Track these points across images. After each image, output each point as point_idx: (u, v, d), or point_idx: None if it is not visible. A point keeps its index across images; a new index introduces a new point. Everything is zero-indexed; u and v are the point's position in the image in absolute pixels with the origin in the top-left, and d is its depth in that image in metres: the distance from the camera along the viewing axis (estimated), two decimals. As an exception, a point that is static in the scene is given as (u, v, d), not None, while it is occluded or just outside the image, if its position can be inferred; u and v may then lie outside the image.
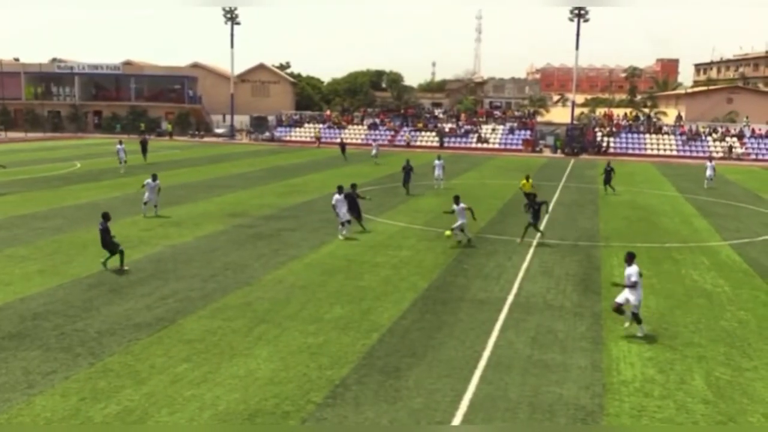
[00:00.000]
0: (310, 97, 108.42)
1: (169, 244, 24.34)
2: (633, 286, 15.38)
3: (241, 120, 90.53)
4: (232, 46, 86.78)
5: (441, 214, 31.41)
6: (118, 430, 10.94)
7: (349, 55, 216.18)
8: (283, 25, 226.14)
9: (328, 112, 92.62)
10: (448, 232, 24.37)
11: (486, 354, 14.44)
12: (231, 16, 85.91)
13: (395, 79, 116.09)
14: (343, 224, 25.60)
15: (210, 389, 12.42)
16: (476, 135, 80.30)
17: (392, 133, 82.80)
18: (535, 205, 25.61)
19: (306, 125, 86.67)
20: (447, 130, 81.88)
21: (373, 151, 58.98)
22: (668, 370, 13.81)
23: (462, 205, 24.47)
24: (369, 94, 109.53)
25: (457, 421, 11.45)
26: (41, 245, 23.69)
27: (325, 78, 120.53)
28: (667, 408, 12.07)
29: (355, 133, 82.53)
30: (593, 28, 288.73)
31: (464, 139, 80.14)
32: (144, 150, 52.92)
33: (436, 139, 79.68)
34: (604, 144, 75.84)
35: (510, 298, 18.58)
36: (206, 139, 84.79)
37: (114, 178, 43.01)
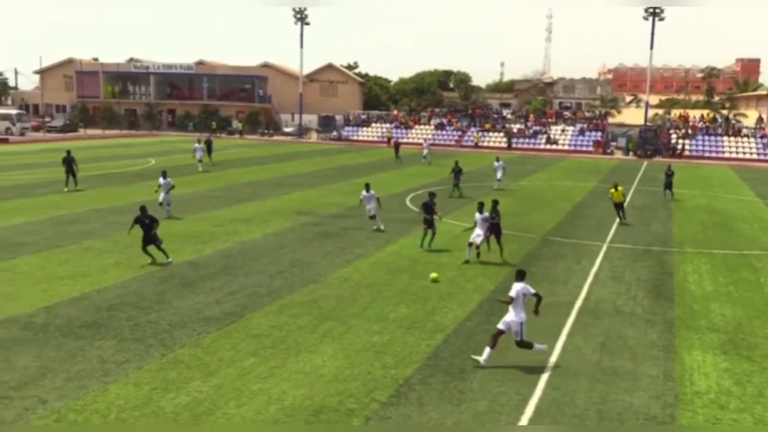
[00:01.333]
0: (378, 96, 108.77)
1: (238, 240, 24.79)
2: (510, 302, 13.56)
3: (310, 119, 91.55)
4: (301, 46, 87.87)
5: (508, 216, 31.13)
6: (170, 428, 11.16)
7: (417, 55, 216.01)
8: (351, 25, 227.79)
9: (395, 112, 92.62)
10: (433, 275, 19.70)
11: (553, 359, 14.22)
12: (301, 16, 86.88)
13: (463, 79, 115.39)
14: (372, 218, 27.19)
15: (276, 384, 12.60)
16: (545, 136, 79.23)
17: (459, 133, 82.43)
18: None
19: (373, 125, 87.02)
20: (515, 130, 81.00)
21: (424, 152, 57.88)
22: (745, 382, 13.32)
23: (485, 214, 22.28)
24: (436, 94, 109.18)
25: (522, 425, 11.32)
26: (117, 239, 24.45)
27: (393, 78, 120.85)
28: (744, 422, 11.63)
29: (422, 133, 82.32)
30: (669, 26, 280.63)
31: (533, 140, 79.15)
32: (209, 149, 53.47)
33: (504, 139, 78.90)
34: (679, 146, 73.77)
35: (578, 303, 18.25)
36: (275, 137, 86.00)
37: (185, 174, 44.02)
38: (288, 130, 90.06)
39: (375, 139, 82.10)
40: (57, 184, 35.77)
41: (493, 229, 22.61)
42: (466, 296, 18.56)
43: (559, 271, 21.73)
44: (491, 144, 79.11)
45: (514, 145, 77.28)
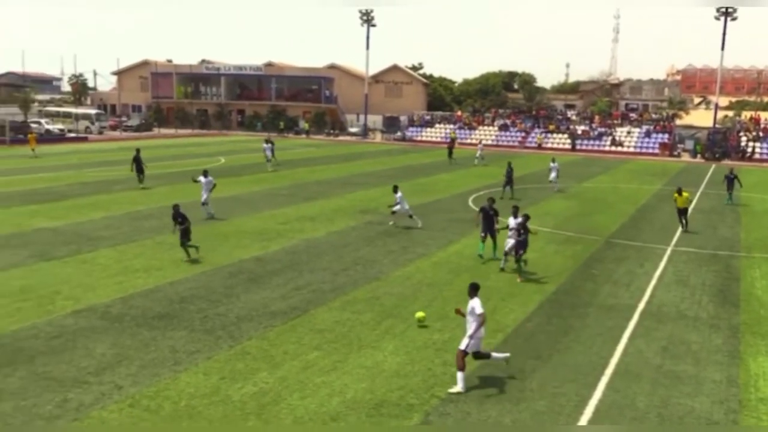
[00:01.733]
0: (442, 97, 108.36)
1: (303, 237, 25.18)
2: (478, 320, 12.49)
3: (374, 119, 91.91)
4: (367, 47, 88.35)
5: (571, 217, 30.80)
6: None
7: (481, 56, 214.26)
8: (417, 26, 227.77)
9: (458, 113, 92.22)
10: (419, 315, 15.99)
11: (613, 361, 14.06)
12: (367, 18, 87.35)
13: (527, 81, 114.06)
14: (411, 216, 27.60)
15: (339, 377, 12.81)
16: (610, 137, 77.69)
17: (523, 134, 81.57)
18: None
19: (437, 125, 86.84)
20: (579, 132, 79.69)
21: (478, 153, 57.19)
22: (812, 389, 12.94)
23: (519, 219, 20.50)
24: (501, 95, 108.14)
25: (582, 425, 11.26)
26: (188, 234, 25.10)
27: (457, 79, 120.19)
28: (810, 429, 11.33)
29: (485, 134, 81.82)
30: (741, 26, 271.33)
31: (597, 142, 77.70)
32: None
33: (568, 141, 77.76)
34: (749, 149, 71.40)
35: (641, 306, 17.94)
36: (340, 137, 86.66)
37: (254, 173, 44.87)
38: (353, 130, 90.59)
39: (438, 139, 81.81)
40: (133, 181, 36.89)
41: (519, 245, 20.19)
42: (527, 297, 18.46)
43: (622, 273, 21.40)
44: (555, 145, 77.97)
45: (578, 147, 76.08)
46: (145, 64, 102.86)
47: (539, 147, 76.60)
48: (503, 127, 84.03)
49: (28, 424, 10.78)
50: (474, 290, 12.95)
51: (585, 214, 32.30)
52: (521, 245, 20.17)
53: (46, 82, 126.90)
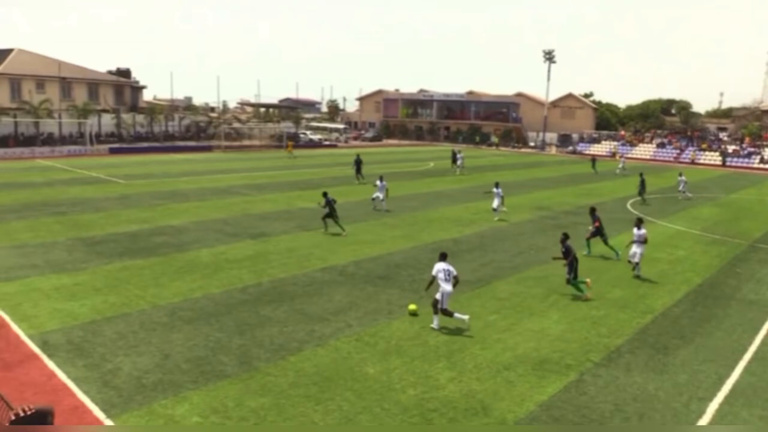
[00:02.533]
0: (608, 119, 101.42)
1: (490, 226, 24.88)
2: None
3: (551, 136, 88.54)
4: (548, 79, 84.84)
5: (718, 223, 27.57)
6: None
7: (643, 85, 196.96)
8: (590, 60, 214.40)
9: (622, 132, 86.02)
10: (412, 307, 13.74)
11: (752, 348, 12.44)
12: (549, 57, 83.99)
13: (684, 107, 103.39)
14: (374, 199, 27.77)
15: (511, 337, 12.56)
16: (759, 156, 68.20)
17: (678, 151, 74.10)
18: None
19: (603, 142, 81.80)
20: (730, 150, 70.80)
21: (620, 165, 52.15)
22: None
23: (643, 231, 17.47)
24: (659, 119, 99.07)
25: (718, 401, 10.10)
26: (404, 218, 25.83)
27: (622, 104, 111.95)
28: None
29: (644, 151, 75.67)
30: None
31: (746, 160, 68.41)
32: (454, 159, 50.89)
33: (719, 158, 69.38)
34: None
35: (782, 303, 15.67)
36: (523, 150, 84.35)
37: (453, 174, 45.04)
38: (532, 144, 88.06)
39: (603, 153, 77.01)
40: (370, 177, 38.41)
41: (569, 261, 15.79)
42: (675, 287, 16.83)
43: (765, 273, 18.78)
44: (706, 161, 69.91)
45: (727, 164, 67.65)
46: (379, 92, 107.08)
47: (692, 162, 69.18)
48: (660, 145, 76.91)
49: (287, 345, 11.73)
50: (442, 257, 13.13)
51: (731, 220, 28.73)
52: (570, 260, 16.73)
53: (311, 105, 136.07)
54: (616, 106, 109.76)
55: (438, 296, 12.65)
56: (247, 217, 24.96)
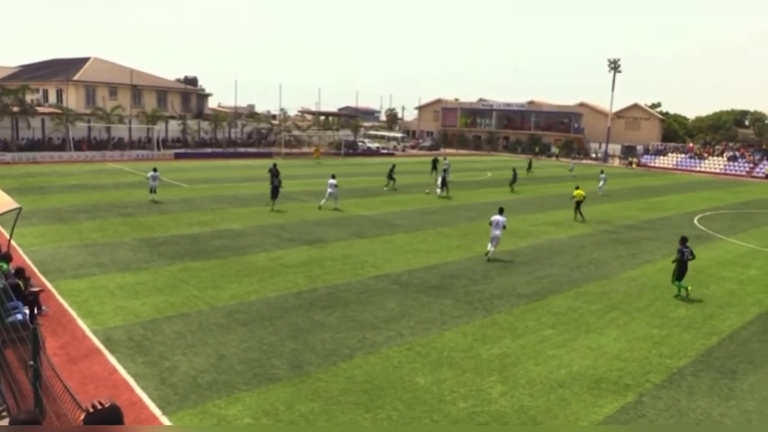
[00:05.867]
0: (676, 131, 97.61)
1: (547, 238, 24.35)
2: None
3: (614, 147, 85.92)
4: (612, 89, 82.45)
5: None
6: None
7: (714, 96, 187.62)
8: (658, 70, 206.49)
9: (690, 145, 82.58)
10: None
11: (832, 378, 11.60)
12: (614, 66, 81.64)
13: (759, 118, 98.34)
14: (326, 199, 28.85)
15: (567, 353, 12.21)
16: (843, 171, 63.90)
17: (751, 165, 70.44)
18: None
19: (669, 154, 78.74)
20: (811, 165, 66.73)
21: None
22: None
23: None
24: (731, 131, 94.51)
25: (792, 431, 9.47)
26: (460, 227, 25.64)
27: (691, 116, 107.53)
28: None
29: (714, 164, 72.33)
30: None
31: (828, 174, 64.37)
32: (528, 167, 51.66)
33: (798, 172, 65.50)
34: None
35: None
36: (584, 161, 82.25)
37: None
38: (593, 155, 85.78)
39: (670, 166, 74.19)
40: (426, 186, 38.37)
41: (681, 266, 16.48)
42: (745, 308, 15.95)
43: None
44: (784, 176, 66.20)
45: (808, 178, 63.80)
46: (438, 101, 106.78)
47: (767, 177, 65.60)
48: (732, 158, 73.30)
49: (338, 351, 11.79)
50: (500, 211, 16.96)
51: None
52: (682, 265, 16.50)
53: (370, 113, 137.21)
54: (684, 118, 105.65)
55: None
56: (304, 222, 25.37)
